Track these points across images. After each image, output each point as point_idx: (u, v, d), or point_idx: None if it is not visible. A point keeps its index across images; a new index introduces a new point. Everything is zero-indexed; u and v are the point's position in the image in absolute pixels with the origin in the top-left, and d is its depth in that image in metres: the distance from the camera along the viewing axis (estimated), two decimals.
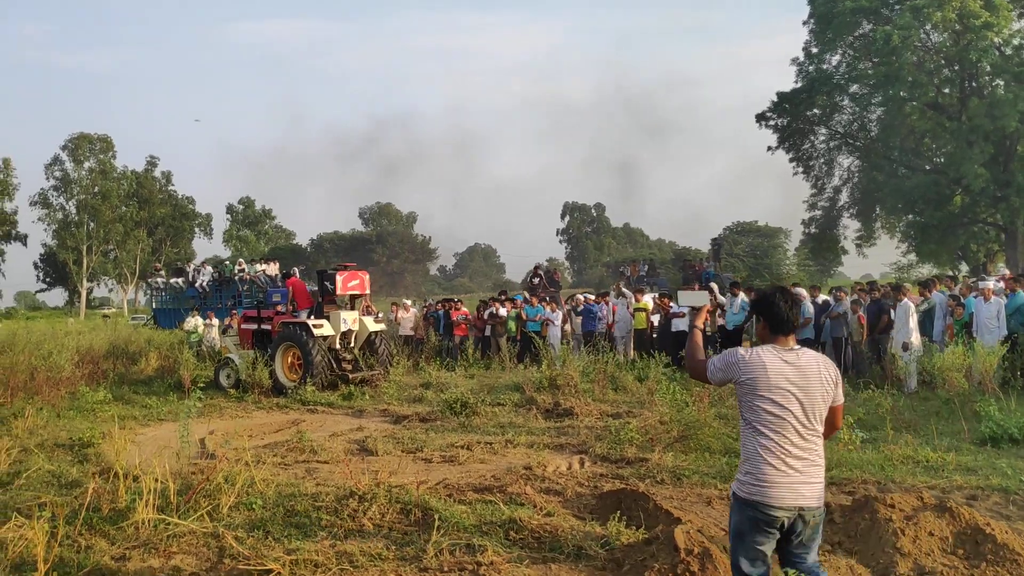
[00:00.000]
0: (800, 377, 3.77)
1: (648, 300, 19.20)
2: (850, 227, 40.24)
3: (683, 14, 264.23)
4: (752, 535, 3.77)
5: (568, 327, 19.60)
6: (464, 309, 20.88)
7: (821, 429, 3.84)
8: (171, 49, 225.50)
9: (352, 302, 16.92)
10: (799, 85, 37.80)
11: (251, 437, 11.45)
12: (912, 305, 13.05)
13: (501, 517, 6.42)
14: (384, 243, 79.15)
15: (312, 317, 15.87)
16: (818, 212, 40.29)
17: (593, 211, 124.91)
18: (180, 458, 9.68)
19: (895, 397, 11.14)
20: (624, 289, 19.91)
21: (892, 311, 13.48)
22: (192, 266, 33.38)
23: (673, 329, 17.67)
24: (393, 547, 5.89)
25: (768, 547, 3.79)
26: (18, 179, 66.56)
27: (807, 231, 40.98)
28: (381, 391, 15.11)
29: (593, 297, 20.76)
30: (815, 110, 37.65)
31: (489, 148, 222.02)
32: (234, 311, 24.16)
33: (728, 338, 16.81)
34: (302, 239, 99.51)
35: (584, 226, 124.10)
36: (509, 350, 18.76)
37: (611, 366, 13.93)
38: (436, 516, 6.50)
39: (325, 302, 16.39)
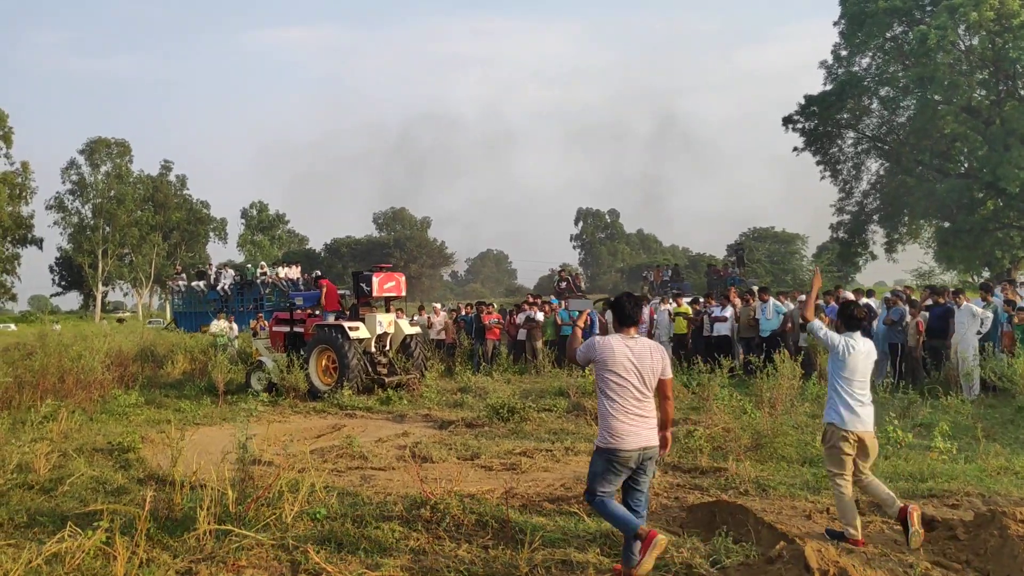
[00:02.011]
0: (637, 357, 5.07)
1: (688, 305, 18.75)
2: (879, 232, 39.54)
3: (696, 19, 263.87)
4: (607, 474, 5.07)
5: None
6: (496, 313, 20.43)
7: (651, 394, 5.14)
8: (193, 55, 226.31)
9: (387, 304, 16.52)
10: (828, 88, 37.24)
11: (293, 442, 11.06)
12: (977, 309, 12.54)
13: (589, 530, 5.98)
14: (402, 248, 78.79)
15: (347, 319, 15.47)
16: (846, 216, 39.64)
17: (607, 217, 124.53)
18: (224, 463, 9.32)
19: (964, 404, 10.68)
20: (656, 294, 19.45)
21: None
22: (214, 269, 33.06)
23: (715, 333, 17.20)
24: (479, 562, 5.45)
25: (618, 482, 5.12)
26: (36, 182, 66.46)
27: (835, 236, 40.35)
28: (418, 395, 14.68)
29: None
30: (844, 114, 37.03)
31: (503, 154, 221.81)
32: (260, 314, 23.81)
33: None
34: (315, 244, 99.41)
35: (598, 232, 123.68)
36: (545, 354, 18.24)
37: None
38: (517, 528, 6.08)
39: (360, 304, 15.99)
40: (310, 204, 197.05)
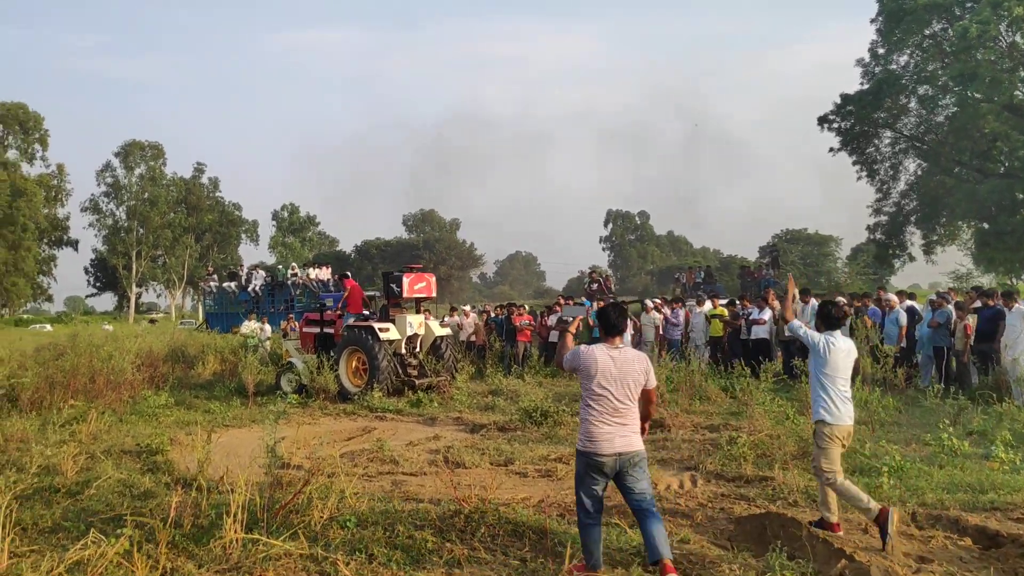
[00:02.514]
0: (619, 367, 5.19)
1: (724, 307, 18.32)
2: (916, 233, 38.65)
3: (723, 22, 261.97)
4: (587, 476, 5.20)
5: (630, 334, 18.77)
6: (527, 314, 20.14)
7: (634, 403, 5.24)
8: (226, 58, 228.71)
9: (417, 305, 16.30)
10: (865, 86, 36.49)
11: (320, 445, 10.85)
12: None
13: (631, 543, 5.68)
14: (431, 249, 78.69)
15: (377, 320, 15.27)
16: (883, 218, 38.81)
17: (637, 219, 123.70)
18: (252, 467, 9.12)
19: (1021, 411, 10.21)
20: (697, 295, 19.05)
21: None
22: (245, 270, 33.08)
23: (752, 336, 16.78)
24: None
25: (600, 487, 5.23)
26: (71, 184, 67.32)
27: (872, 237, 39.51)
28: (449, 398, 14.43)
29: (651, 304, 19.80)
30: (881, 113, 36.25)
31: (532, 155, 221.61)
32: (290, 315, 23.73)
33: (805, 350, 15.88)
34: (346, 246, 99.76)
35: (627, 234, 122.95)
36: None
37: (697, 375, 13.06)
38: (556, 540, 5.79)
39: (390, 305, 15.78)
40: (341, 206, 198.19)
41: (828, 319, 6.30)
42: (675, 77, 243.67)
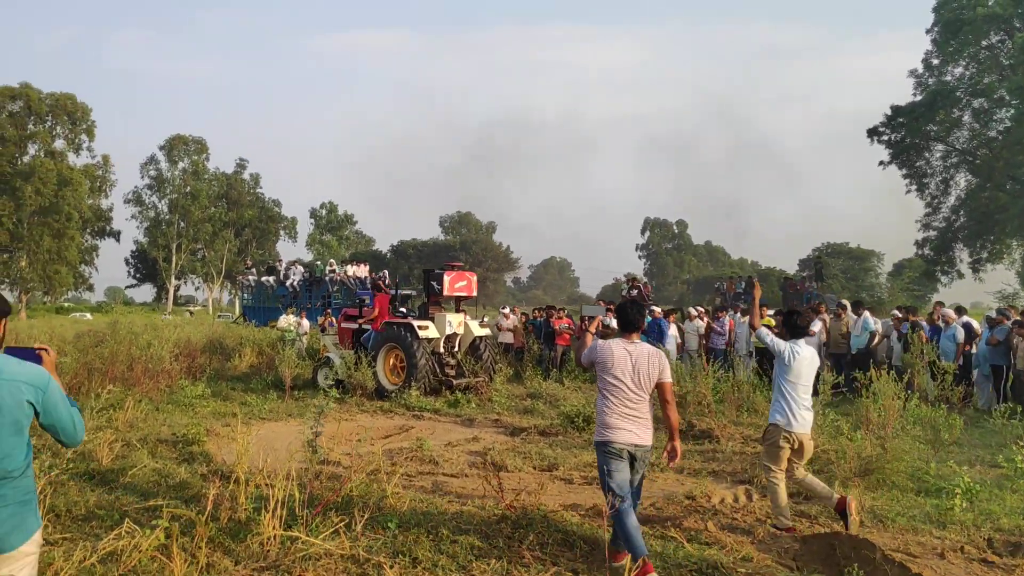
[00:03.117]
0: (635, 361, 5.33)
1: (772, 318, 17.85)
2: (966, 250, 37.63)
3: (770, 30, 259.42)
4: (611, 465, 5.29)
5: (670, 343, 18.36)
6: (567, 318, 19.80)
7: (647, 396, 5.36)
8: (273, 59, 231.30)
9: (457, 304, 16.05)
10: (918, 98, 35.65)
11: (359, 442, 10.63)
12: None
13: (690, 558, 5.34)
14: (467, 251, 78.59)
15: (417, 318, 15.05)
16: (932, 233, 37.87)
17: (675, 227, 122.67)
18: (291, 461, 8.91)
19: None
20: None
21: None
22: (283, 265, 33.13)
23: None
24: None
25: (625, 473, 5.29)
26: (115, 175, 68.15)
27: (920, 252, 38.55)
28: (487, 399, 14.15)
29: (695, 311, 19.36)
30: (933, 126, 35.38)
31: (571, 161, 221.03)
32: (328, 311, 23.62)
33: (856, 363, 15.40)
34: (382, 245, 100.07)
35: (664, 242, 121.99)
36: None
37: (745, 386, 12.63)
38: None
39: (430, 303, 15.55)
40: (379, 206, 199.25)
41: (794, 328, 6.44)
42: (722, 85, 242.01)
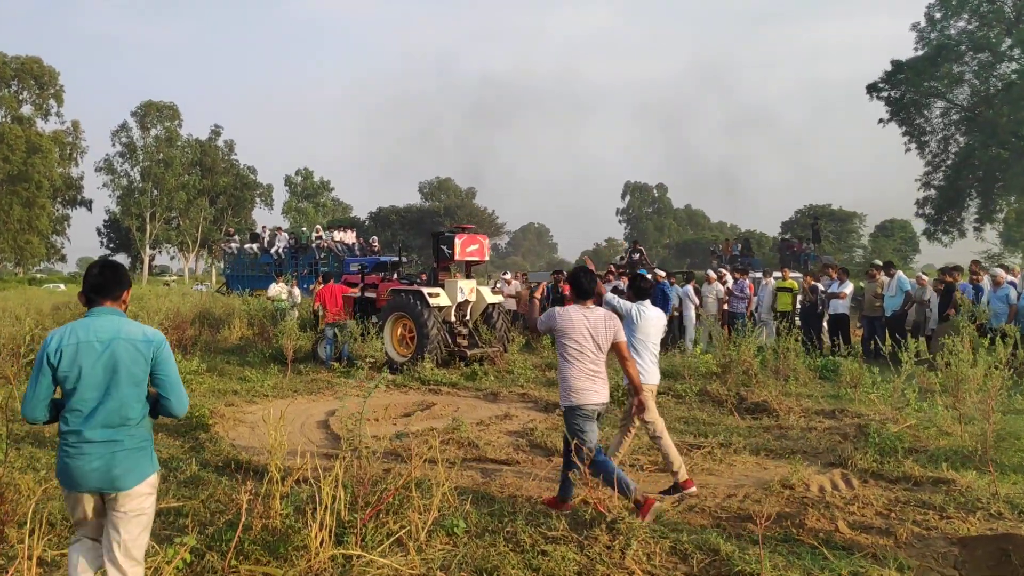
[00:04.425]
0: (592, 326, 5.56)
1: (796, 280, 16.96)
2: (969, 208, 36.87)
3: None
4: (584, 426, 5.54)
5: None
6: None
7: (604, 357, 5.64)
8: (247, 22, 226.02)
9: (467, 269, 14.97)
10: (920, 52, 34.61)
11: (377, 421, 9.61)
12: None
13: (845, 571, 4.37)
14: (452, 216, 76.72)
15: (426, 285, 13.98)
16: (932, 192, 37.04)
17: (655, 191, 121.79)
18: (310, 445, 7.89)
19: None
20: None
21: None
22: (268, 232, 31.76)
23: (831, 312, 15.41)
24: None
25: (595, 432, 5.62)
26: (86, 142, 65.93)
27: (921, 211, 37.73)
28: (505, 371, 13.14)
29: (714, 274, 18.36)
30: (933, 82, 34.38)
31: (553, 127, 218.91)
32: (319, 278, 22.48)
33: (890, 326, 14.54)
34: (359, 212, 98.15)
35: (645, 206, 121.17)
36: None
37: (792, 355, 11.67)
38: (732, 564, 4.50)
39: (439, 268, 14.46)
40: (355, 172, 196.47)
41: (638, 290, 6.81)
42: (703, 49, 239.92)
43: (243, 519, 4.59)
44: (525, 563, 4.50)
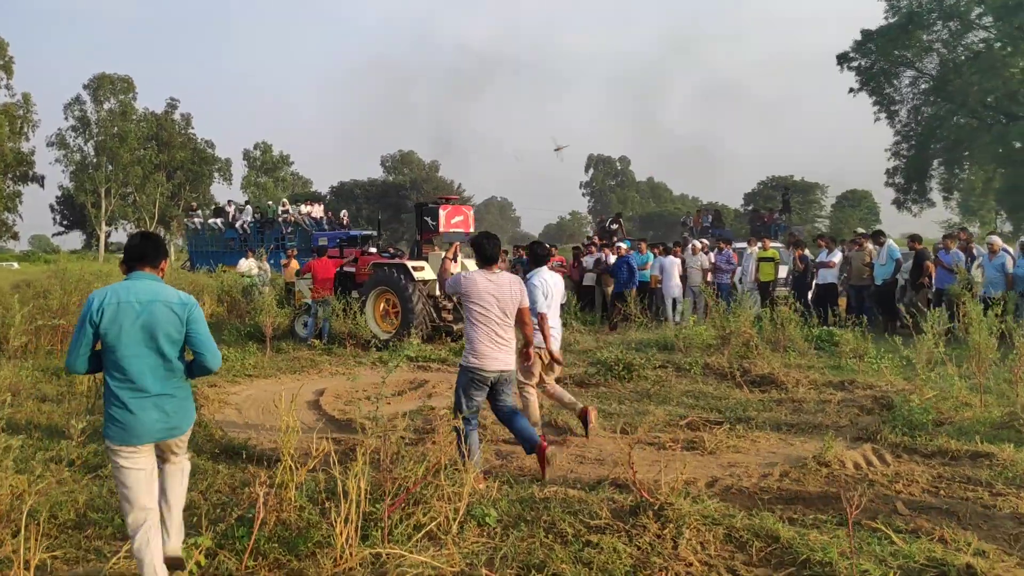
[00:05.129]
0: (497, 290, 5.71)
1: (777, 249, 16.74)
2: (935, 178, 37.02)
3: None
4: (471, 389, 5.73)
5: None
6: (560, 256, 18.41)
7: (511, 322, 5.79)
8: None
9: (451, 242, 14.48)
10: (890, 21, 34.47)
11: (369, 399, 9.15)
12: None
13: (921, 558, 4.03)
14: (418, 190, 75.62)
15: (410, 258, 13.49)
16: (902, 162, 37.10)
17: (618, 164, 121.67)
18: (315, 429, 7.41)
19: None
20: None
21: None
22: (233, 206, 30.87)
23: (819, 281, 15.22)
24: None
25: (480, 398, 5.80)
26: (37, 115, 63.62)
27: (891, 181, 37.78)
28: None
29: (699, 244, 18.03)
30: (907, 52, 34.26)
31: (515, 98, 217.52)
32: (289, 251, 21.85)
33: (881, 297, 14.42)
34: (320, 186, 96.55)
35: (608, 179, 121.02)
36: (635, 301, 15.75)
37: (791, 326, 11.40)
38: (790, 549, 4.16)
39: (423, 241, 13.97)
40: (315, 146, 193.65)
41: (536, 257, 7.10)
42: (675, 20, 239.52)
43: (260, 515, 4.15)
44: (573, 556, 4.11)
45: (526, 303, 5.87)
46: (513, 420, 5.87)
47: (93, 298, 3.79)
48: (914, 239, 15.01)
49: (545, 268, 7.00)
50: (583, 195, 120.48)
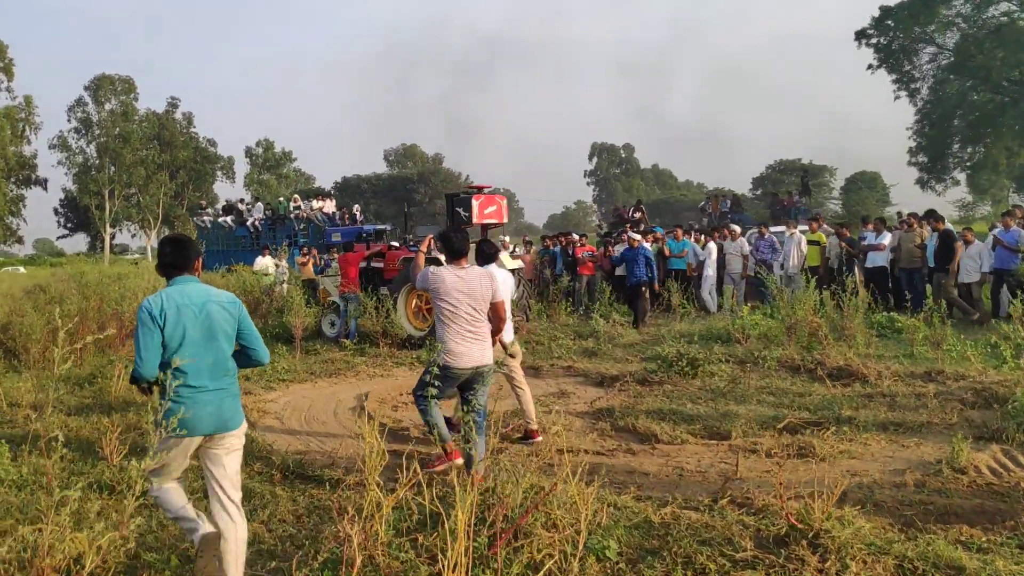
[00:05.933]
0: (466, 285, 5.55)
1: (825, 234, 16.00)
2: (960, 156, 36.17)
3: None
4: (444, 385, 5.42)
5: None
6: (589, 245, 17.73)
7: (483, 316, 5.63)
8: None
9: (484, 233, 13.80)
10: None
11: (407, 406, 8.51)
12: None
13: None
14: (426, 183, 74.84)
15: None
16: (923, 140, 36.24)
17: (622, 152, 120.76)
18: (350, 437, 6.78)
19: None
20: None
21: None
22: (244, 203, 30.20)
23: (869, 265, 14.53)
24: None
25: (450, 389, 5.63)
26: (40, 118, 62.89)
27: (913, 160, 36.94)
28: (533, 341, 12.09)
29: (737, 229, 17.30)
30: (927, 27, 33.39)
31: (519, 88, 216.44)
32: (306, 247, 21.17)
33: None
34: (324, 182, 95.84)
35: (612, 167, 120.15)
36: (675, 290, 14.99)
37: (859, 313, 10.65)
38: None
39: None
40: (318, 142, 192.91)
41: (483, 255, 6.84)
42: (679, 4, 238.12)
43: (357, 560, 3.49)
44: None
45: (499, 297, 5.75)
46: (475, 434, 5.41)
47: (150, 305, 3.85)
48: (936, 218, 13.98)
49: (493, 265, 6.73)
50: (588, 184, 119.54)
